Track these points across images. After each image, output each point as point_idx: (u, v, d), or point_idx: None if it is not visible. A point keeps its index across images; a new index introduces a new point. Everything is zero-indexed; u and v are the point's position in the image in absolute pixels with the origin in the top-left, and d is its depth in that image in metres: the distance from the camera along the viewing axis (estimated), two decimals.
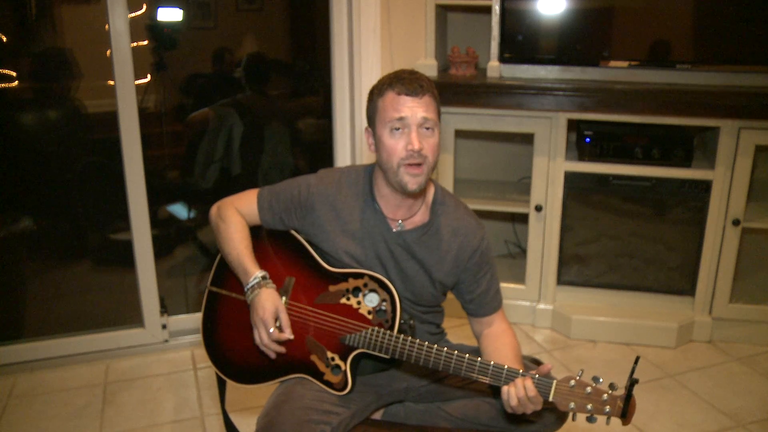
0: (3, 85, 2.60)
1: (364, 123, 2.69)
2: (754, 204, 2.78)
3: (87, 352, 2.63)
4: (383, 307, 1.50)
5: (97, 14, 2.43)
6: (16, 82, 2.63)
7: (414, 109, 1.45)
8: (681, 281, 2.79)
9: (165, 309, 2.71)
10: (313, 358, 1.53)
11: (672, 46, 2.67)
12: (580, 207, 2.80)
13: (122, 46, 2.42)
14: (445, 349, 1.43)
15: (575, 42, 2.70)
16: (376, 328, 1.48)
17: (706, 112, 2.55)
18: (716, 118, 2.57)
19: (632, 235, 2.80)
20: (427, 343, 1.45)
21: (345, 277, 1.55)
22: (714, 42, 2.63)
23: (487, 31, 2.75)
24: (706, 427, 2.24)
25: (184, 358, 2.66)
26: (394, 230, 1.57)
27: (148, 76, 2.71)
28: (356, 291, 1.53)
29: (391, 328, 1.48)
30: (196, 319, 2.73)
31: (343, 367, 1.51)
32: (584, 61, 2.71)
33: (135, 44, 2.48)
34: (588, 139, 2.70)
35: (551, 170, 2.73)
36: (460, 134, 2.92)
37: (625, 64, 2.70)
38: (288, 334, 1.51)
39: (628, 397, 1.33)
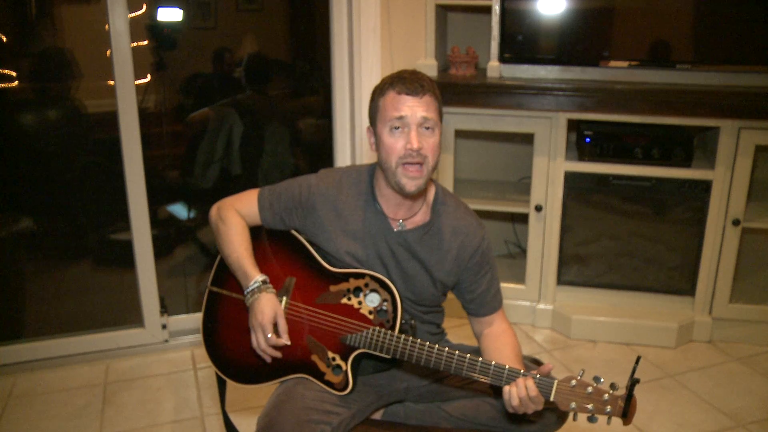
0: (3, 85, 2.60)
1: (364, 123, 2.71)
2: (754, 204, 2.78)
3: (87, 352, 2.63)
4: (384, 307, 1.50)
5: (97, 14, 2.43)
6: (16, 82, 2.63)
7: (414, 108, 1.45)
8: (681, 281, 2.79)
9: (165, 309, 2.71)
10: (314, 358, 1.53)
11: (672, 46, 2.67)
12: (580, 207, 2.80)
13: (122, 46, 2.42)
14: (447, 349, 1.43)
15: (575, 42, 2.70)
16: (377, 328, 1.48)
17: (706, 112, 2.55)
18: (716, 118, 2.57)
19: (632, 235, 2.80)
20: (428, 343, 1.45)
21: (346, 277, 1.55)
22: (714, 42, 2.63)
23: (487, 31, 2.75)
24: (706, 427, 2.25)
25: (184, 358, 2.66)
26: (395, 230, 1.57)
27: (148, 76, 2.71)
28: (357, 291, 1.53)
29: (392, 328, 1.48)
30: (196, 319, 2.73)
31: (344, 367, 1.51)
32: (584, 61, 2.71)
33: (135, 44, 2.48)
34: (588, 139, 2.70)
35: (551, 170, 2.73)
36: (460, 134, 2.92)
37: (625, 64, 2.70)
38: (285, 340, 1.51)
39: (629, 397, 1.33)
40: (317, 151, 3.11)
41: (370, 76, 2.64)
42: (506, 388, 1.38)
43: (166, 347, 2.72)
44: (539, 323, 2.92)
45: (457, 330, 2.70)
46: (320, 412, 1.46)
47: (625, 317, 2.77)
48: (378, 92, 1.51)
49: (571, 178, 2.73)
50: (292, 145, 3.15)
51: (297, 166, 3.18)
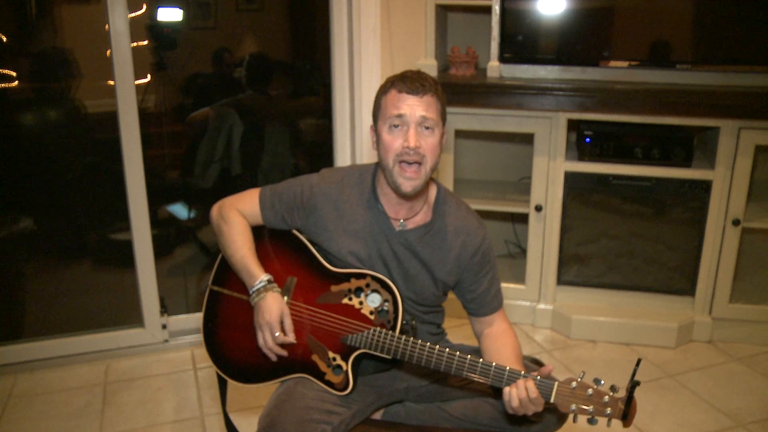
0: (3, 85, 2.60)
1: (365, 123, 2.71)
2: (754, 204, 2.78)
3: (87, 352, 2.63)
4: (385, 308, 1.50)
5: (97, 14, 2.43)
6: (16, 82, 2.63)
7: (414, 107, 1.45)
8: (681, 281, 2.79)
9: (165, 309, 2.71)
10: (315, 358, 1.53)
11: (672, 46, 2.67)
12: (580, 207, 2.80)
13: (122, 46, 2.42)
14: (447, 350, 1.43)
15: (575, 42, 2.70)
16: (378, 329, 1.48)
17: (706, 112, 2.55)
18: (716, 118, 2.57)
19: (632, 235, 2.80)
20: (429, 343, 1.45)
21: (347, 277, 1.55)
22: (714, 42, 2.63)
23: (487, 31, 2.75)
24: (706, 427, 2.25)
25: (184, 358, 2.66)
26: (397, 229, 1.57)
27: (148, 76, 2.71)
28: (358, 291, 1.53)
29: (393, 328, 1.48)
30: (196, 319, 2.73)
31: (344, 368, 1.51)
32: (584, 61, 2.71)
33: (135, 44, 2.48)
34: (588, 139, 2.70)
35: (551, 170, 2.73)
36: (460, 134, 2.92)
37: (625, 64, 2.70)
38: (291, 338, 1.52)
39: (629, 399, 1.33)
40: (317, 151, 3.11)
41: (370, 76, 2.64)
42: (506, 390, 1.38)
43: (166, 347, 2.72)
44: (539, 323, 2.92)
45: (457, 330, 2.70)
46: (321, 412, 1.46)
47: (625, 317, 2.77)
48: (381, 91, 1.52)
49: (571, 178, 2.73)
50: (292, 145, 3.16)
51: (297, 166, 3.18)
